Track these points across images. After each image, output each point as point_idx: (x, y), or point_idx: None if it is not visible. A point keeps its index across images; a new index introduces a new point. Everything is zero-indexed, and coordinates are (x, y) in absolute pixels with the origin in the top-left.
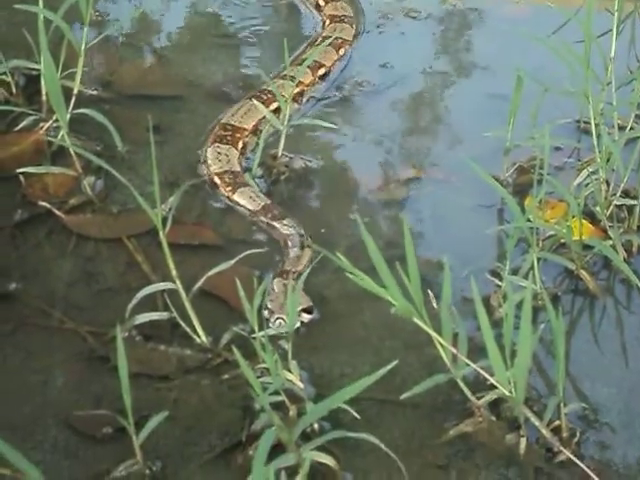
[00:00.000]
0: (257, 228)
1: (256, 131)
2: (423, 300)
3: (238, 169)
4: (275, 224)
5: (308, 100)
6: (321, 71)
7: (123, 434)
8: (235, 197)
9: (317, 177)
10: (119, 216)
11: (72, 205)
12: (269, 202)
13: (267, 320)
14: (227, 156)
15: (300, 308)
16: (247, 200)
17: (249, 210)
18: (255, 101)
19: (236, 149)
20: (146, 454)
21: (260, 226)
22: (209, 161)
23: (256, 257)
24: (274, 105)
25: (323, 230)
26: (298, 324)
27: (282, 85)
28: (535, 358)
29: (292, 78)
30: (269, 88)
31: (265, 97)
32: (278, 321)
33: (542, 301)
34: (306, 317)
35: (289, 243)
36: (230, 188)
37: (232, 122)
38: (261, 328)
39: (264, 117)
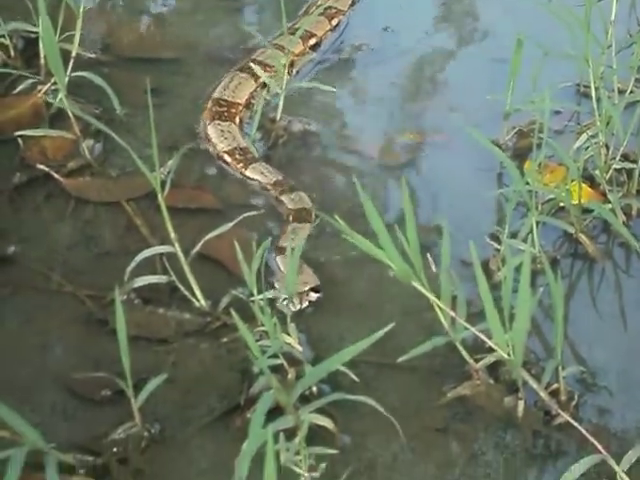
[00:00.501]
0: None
1: (249, 105)
2: (422, 264)
3: (245, 145)
4: (282, 198)
5: (298, 72)
6: (312, 41)
7: (122, 397)
8: (248, 173)
9: (316, 140)
10: (118, 179)
11: (71, 168)
12: (281, 177)
13: (275, 299)
14: (230, 132)
15: (308, 287)
16: (260, 175)
17: (261, 184)
18: (253, 64)
19: (235, 124)
20: (145, 417)
21: (272, 201)
22: (214, 140)
23: (255, 221)
24: (264, 76)
25: (321, 194)
26: (306, 303)
27: (277, 52)
28: (533, 322)
29: (282, 48)
30: (259, 58)
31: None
32: (286, 302)
33: (541, 265)
34: (314, 296)
35: (290, 218)
36: (242, 165)
37: (225, 97)
38: (260, 292)
39: (256, 89)
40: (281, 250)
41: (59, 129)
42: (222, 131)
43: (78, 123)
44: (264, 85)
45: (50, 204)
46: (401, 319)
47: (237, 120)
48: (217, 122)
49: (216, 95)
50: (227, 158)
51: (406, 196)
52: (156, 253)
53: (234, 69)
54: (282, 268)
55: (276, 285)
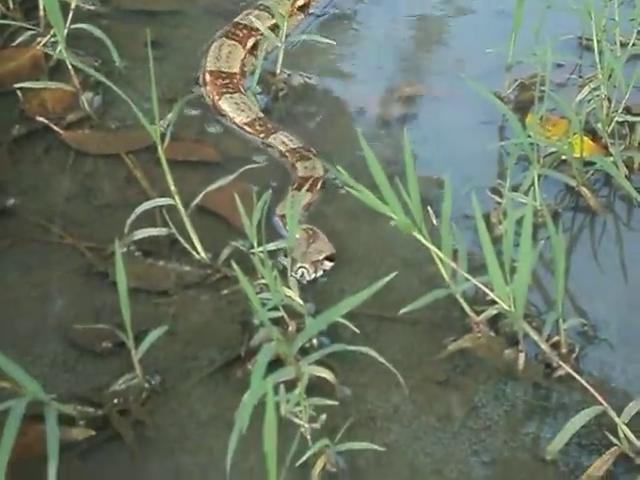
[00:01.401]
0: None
1: (243, 73)
2: (423, 217)
3: (262, 114)
4: (297, 165)
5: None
6: (300, 2)
7: (122, 348)
8: (270, 141)
9: (316, 94)
10: (117, 132)
11: (70, 121)
12: (301, 145)
13: (289, 267)
14: (245, 104)
15: (323, 256)
16: (281, 144)
17: (280, 151)
18: (252, 17)
19: (243, 94)
20: (145, 368)
21: (288, 168)
22: (231, 114)
23: (255, 173)
24: (251, 41)
25: (322, 147)
26: (320, 272)
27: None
28: (534, 275)
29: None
30: (245, 22)
31: (241, 34)
32: (300, 270)
33: (542, 218)
34: (328, 265)
35: (294, 185)
36: (264, 135)
37: (222, 69)
38: (260, 244)
39: (245, 56)
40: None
41: (58, 81)
42: (236, 104)
43: (77, 75)
44: (253, 48)
45: (50, 156)
46: (402, 272)
47: (241, 89)
48: (228, 95)
49: (210, 66)
50: (249, 129)
51: (407, 148)
52: (156, 205)
53: (219, 34)
54: (297, 235)
55: (289, 253)
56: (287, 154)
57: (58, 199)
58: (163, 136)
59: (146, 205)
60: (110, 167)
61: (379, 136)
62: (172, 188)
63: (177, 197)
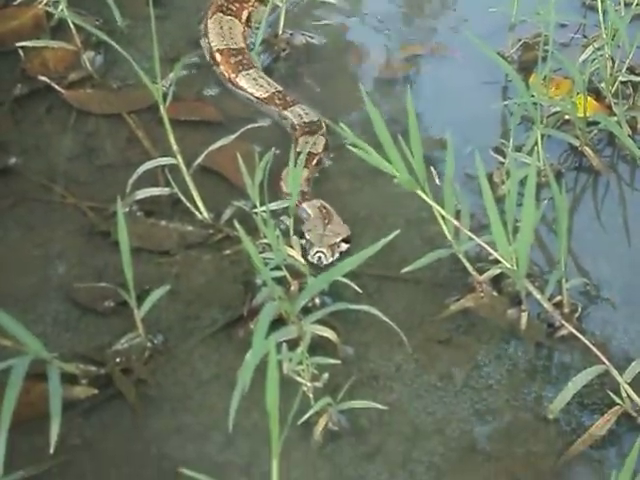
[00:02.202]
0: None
1: (247, 45)
2: (426, 177)
3: (280, 88)
4: (299, 140)
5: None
6: None
7: (125, 308)
8: (286, 113)
9: (318, 54)
10: (119, 92)
11: (72, 80)
12: (316, 119)
13: (304, 249)
14: (263, 79)
15: (340, 239)
16: (296, 116)
17: (292, 124)
18: None
19: (258, 68)
20: (148, 328)
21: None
22: (249, 90)
23: (258, 134)
24: (245, 13)
25: (325, 106)
26: (337, 255)
27: None
28: (537, 235)
29: None
30: None
31: (234, 7)
32: (318, 255)
33: (545, 178)
34: (345, 247)
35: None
36: (282, 107)
37: (231, 46)
38: (262, 203)
39: (244, 29)
40: (304, 195)
41: (60, 40)
42: (254, 79)
43: (79, 34)
44: (248, 20)
45: (51, 116)
46: (404, 232)
47: (244, 16)
48: (244, 72)
49: (217, 45)
50: (218, 57)
51: (410, 107)
52: (158, 165)
53: (212, 10)
54: (311, 214)
55: (306, 235)
56: (297, 127)
57: (60, 159)
58: (165, 95)
59: (148, 165)
60: (112, 127)
61: (383, 96)
62: (174, 147)
63: (179, 156)
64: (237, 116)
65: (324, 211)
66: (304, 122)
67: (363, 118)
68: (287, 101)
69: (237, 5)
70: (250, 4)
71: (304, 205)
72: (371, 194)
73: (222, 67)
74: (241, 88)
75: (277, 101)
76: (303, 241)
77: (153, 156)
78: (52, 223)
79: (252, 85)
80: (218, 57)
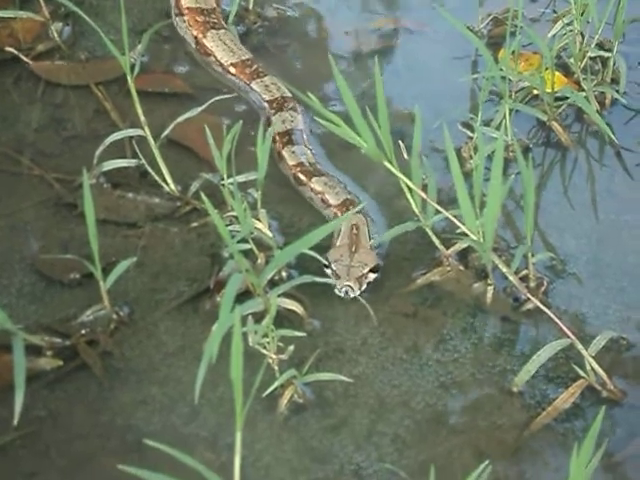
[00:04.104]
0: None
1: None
2: (394, 150)
3: (251, 55)
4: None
5: None
6: None
7: (90, 280)
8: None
9: (290, 26)
10: (87, 63)
11: (40, 51)
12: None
13: (327, 269)
14: (233, 42)
15: (367, 270)
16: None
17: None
18: None
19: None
20: (113, 300)
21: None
22: (217, 54)
23: (226, 106)
24: None
25: (295, 78)
26: (365, 286)
27: None
28: (505, 211)
29: None
30: None
31: None
32: (345, 289)
33: (513, 152)
34: (372, 277)
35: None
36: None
37: (201, 5)
38: (230, 176)
39: None
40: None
41: (28, 11)
42: (222, 41)
43: (47, 5)
44: None
45: (19, 87)
46: (372, 206)
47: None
48: (214, 32)
49: (187, 3)
50: (233, 71)
51: (378, 79)
52: (126, 136)
53: None
54: (341, 236)
55: (332, 266)
56: (268, 102)
57: (27, 130)
58: (133, 67)
59: (115, 135)
60: (80, 98)
61: (353, 69)
62: (142, 119)
63: (147, 128)
64: (205, 88)
65: (354, 234)
66: (277, 97)
67: (334, 91)
68: (257, 71)
69: None
70: None
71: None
72: (338, 168)
73: (188, 22)
74: (208, 52)
75: (246, 70)
76: (329, 271)
77: (121, 128)
78: (18, 194)
79: (221, 49)
80: (186, 12)
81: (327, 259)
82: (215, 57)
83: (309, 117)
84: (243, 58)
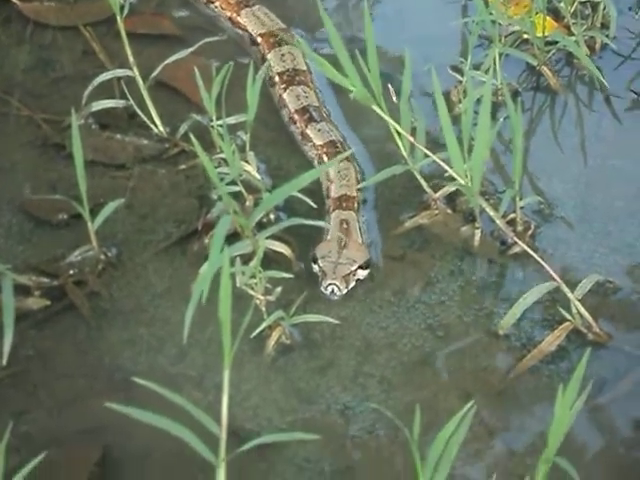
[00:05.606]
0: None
1: None
2: (383, 94)
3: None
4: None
5: None
6: None
7: (78, 220)
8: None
9: None
10: (75, 4)
11: None
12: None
13: (314, 264)
14: (268, 16)
15: (355, 267)
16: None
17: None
18: None
19: None
20: (101, 241)
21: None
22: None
23: (215, 48)
24: None
25: (283, 22)
26: (353, 284)
27: None
28: (494, 155)
29: None
30: None
31: None
32: (330, 287)
33: (502, 97)
34: (362, 274)
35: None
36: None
37: None
38: (219, 118)
39: None
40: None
41: None
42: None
43: None
44: None
45: (7, 28)
46: (361, 149)
47: None
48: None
49: None
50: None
51: (367, 21)
52: (114, 77)
53: None
54: (330, 231)
55: (320, 263)
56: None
57: (15, 71)
58: (122, 8)
59: (104, 76)
60: (68, 39)
61: (342, 12)
62: (130, 60)
63: (135, 69)
64: (195, 30)
65: (344, 228)
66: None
67: (323, 34)
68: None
69: None
70: None
71: (331, 215)
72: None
73: None
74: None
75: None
76: (316, 267)
77: (109, 69)
78: (6, 135)
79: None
80: None
81: (314, 254)
82: None
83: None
84: None
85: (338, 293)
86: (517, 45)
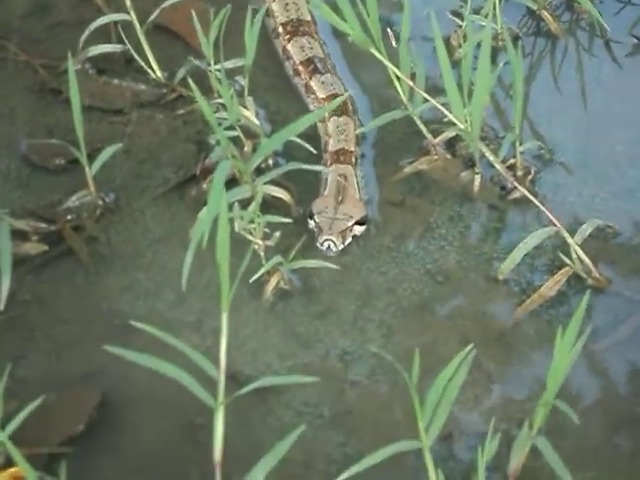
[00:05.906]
0: None
1: None
2: (382, 39)
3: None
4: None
5: None
6: None
7: (76, 166)
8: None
9: None
10: None
11: None
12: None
13: (310, 220)
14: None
15: (352, 222)
16: (320, 87)
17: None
18: None
19: None
20: (99, 186)
21: None
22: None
23: None
24: None
25: None
26: (349, 240)
27: None
28: (494, 101)
29: None
30: None
31: None
32: (326, 243)
33: (503, 41)
34: (359, 229)
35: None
36: None
37: None
38: (217, 62)
39: None
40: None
41: None
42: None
43: None
44: None
45: None
46: (360, 94)
47: None
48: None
49: None
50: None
51: None
52: (111, 21)
53: None
54: (326, 190)
55: (316, 218)
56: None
57: (12, 17)
58: None
59: (101, 20)
60: None
61: None
62: (127, 3)
63: (133, 13)
64: None
65: (342, 183)
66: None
67: None
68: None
69: None
70: None
71: (329, 169)
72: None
73: None
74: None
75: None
76: (312, 223)
77: (106, 14)
78: (3, 80)
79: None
80: None
81: (311, 210)
82: None
83: None
84: None
85: (334, 249)
86: None
